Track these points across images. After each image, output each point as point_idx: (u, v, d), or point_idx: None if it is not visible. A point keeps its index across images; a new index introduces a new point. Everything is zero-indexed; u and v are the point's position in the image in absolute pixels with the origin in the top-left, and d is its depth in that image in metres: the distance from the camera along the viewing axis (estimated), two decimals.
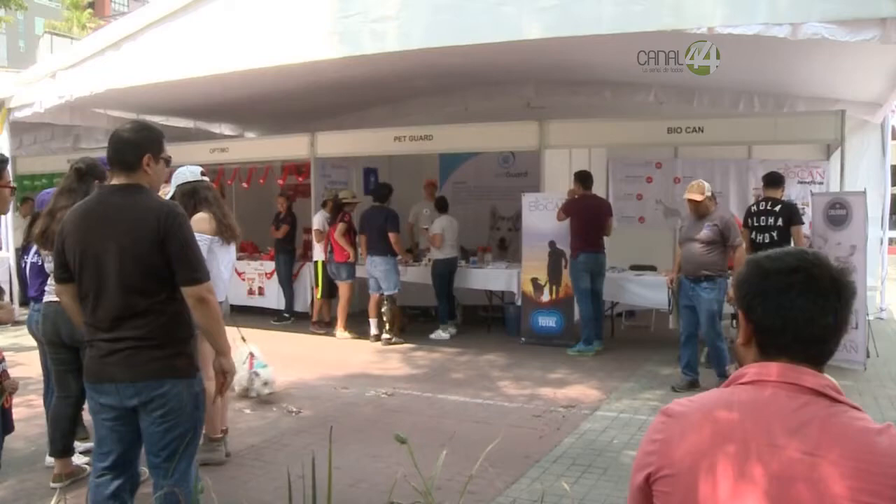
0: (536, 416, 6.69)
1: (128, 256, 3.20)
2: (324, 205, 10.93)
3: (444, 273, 10.39)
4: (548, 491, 4.86)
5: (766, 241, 8.11)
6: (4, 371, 4.20)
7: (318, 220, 10.83)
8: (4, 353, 4.28)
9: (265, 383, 7.12)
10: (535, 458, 5.52)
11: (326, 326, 10.91)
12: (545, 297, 9.71)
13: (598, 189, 10.70)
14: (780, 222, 8.14)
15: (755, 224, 8.29)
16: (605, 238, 9.35)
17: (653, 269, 10.26)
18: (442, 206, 10.67)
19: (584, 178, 9.45)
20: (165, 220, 3.21)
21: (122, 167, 3.34)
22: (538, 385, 7.80)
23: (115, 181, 3.38)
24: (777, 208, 8.22)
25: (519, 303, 10.17)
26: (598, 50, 7.52)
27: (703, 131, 9.35)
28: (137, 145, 3.34)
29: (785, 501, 1.38)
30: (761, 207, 8.34)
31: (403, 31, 7.46)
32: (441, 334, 10.43)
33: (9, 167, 4.25)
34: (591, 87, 10.90)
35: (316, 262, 10.96)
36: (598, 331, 9.42)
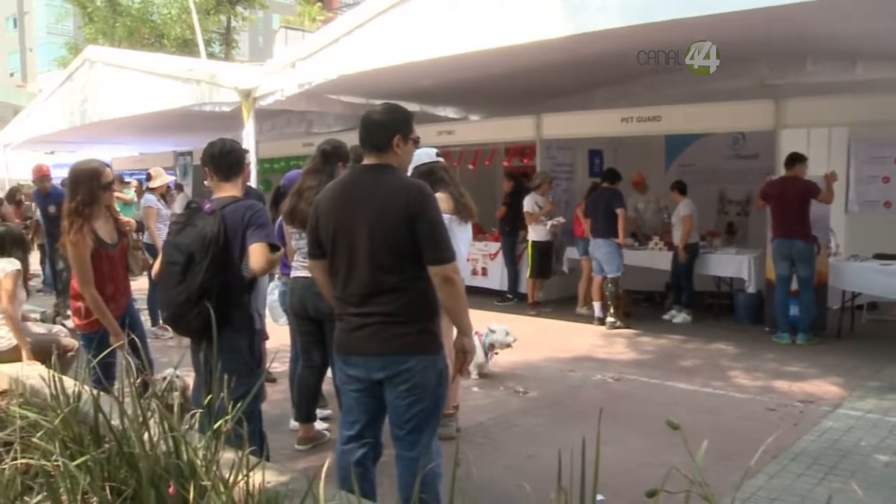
0: (771, 409, 6.36)
1: (378, 234, 3.30)
2: (536, 187, 10.91)
3: (692, 257, 10.13)
4: (788, 489, 4.61)
5: None
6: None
7: (528, 201, 10.82)
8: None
9: (507, 333, 7.24)
10: (773, 454, 5.21)
11: (538, 307, 10.92)
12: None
13: (837, 171, 9.92)
14: None
15: None
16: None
17: None
18: (683, 190, 10.36)
19: (788, 160, 8.91)
20: (415, 199, 3.29)
21: (372, 148, 3.46)
22: (772, 377, 7.41)
23: (366, 161, 3.51)
24: None
25: (751, 290, 9.71)
26: (844, 17, 6.79)
27: None
28: (387, 126, 3.44)
29: None
30: None
31: (628, 6, 7.20)
32: (679, 316, 10.26)
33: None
34: (835, 61, 9.94)
35: (526, 243, 11.03)
36: (810, 322, 8.84)
